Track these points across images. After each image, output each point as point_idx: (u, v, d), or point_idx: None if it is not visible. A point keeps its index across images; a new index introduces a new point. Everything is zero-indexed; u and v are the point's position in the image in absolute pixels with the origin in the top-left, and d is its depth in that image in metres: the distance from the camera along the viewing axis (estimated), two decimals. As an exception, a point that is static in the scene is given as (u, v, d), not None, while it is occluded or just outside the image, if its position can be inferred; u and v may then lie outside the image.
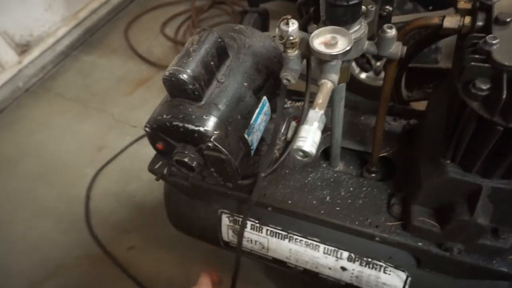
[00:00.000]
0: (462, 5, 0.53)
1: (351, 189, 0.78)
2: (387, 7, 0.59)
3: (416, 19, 0.55)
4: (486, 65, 0.43)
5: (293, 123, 0.90)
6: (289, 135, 0.88)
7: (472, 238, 0.60)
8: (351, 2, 0.49)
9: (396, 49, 0.54)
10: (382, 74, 1.62)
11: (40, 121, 1.95)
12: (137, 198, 1.55)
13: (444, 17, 0.51)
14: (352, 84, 0.75)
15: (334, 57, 0.48)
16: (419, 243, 0.67)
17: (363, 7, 0.56)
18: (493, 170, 0.51)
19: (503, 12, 0.46)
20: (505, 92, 0.41)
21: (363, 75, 1.60)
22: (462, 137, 0.50)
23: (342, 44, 0.49)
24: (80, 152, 1.76)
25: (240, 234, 0.83)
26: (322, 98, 0.50)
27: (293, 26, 0.50)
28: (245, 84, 0.73)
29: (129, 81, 2.10)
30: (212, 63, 0.69)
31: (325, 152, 0.87)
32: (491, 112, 0.43)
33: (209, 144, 0.66)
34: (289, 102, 0.96)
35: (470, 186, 0.54)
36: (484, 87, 0.43)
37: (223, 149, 0.67)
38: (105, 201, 1.57)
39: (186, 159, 0.69)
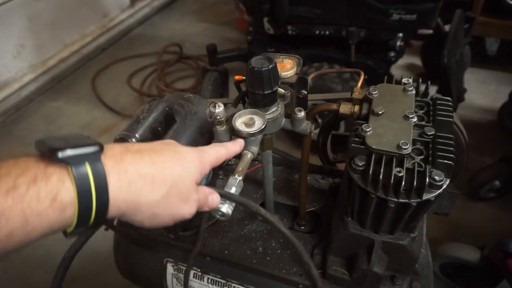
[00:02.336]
0: (355, 95, 0.68)
1: (281, 240, 0.88)
2: (303, 91, 0.74)
3: (320, 105, 0.69)
4: (362, 147, 0.56)
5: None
6: (231, 189, 0.98)
7: (373, 285, 0.70)
8: (266, 92, 0.62)
9: (306, 127, 0.68)
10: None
11: None
12: (90, 244, 1.55)
13: (340, 104, 0.66)
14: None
15: (251, 134, 0.60)
16: (334, 290, 0.76)
17: (282, 90, 0.71)
18: (380, 227, 0.63)
19: (378, 105, 0.61)
20: (371, 168, 0.54)
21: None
22: (354, 200, 0.62)
23: (258, 124, 0.61)
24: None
25: (185, 283, 0.89)
26: (242, 166, 0.62)
27: (219, 108, 0.62)
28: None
29: (93, 129, 2.17)
30: (159, 128, 0.79)
31: (262, 205, 0.97)
32: (365, 183, 0.56)
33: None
34: (233, 159, 1.07)
35: (366, 239, 0.66)
36: (360, 164, 0.56)
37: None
38: (56, 247, 1.57)
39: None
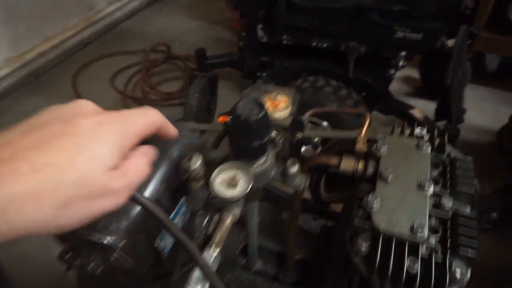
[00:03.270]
0: (359, 146, 0.57)
1: (267, 294, 0.77)
2: (297, 134, 0.63)
3: (318, 157, 0.59)
4: (366, 226, 0.46)
5: (216, 217, 0.90)
6: (210, 229, 0.87)
7: None
8: (254, 145, 0.51)
9: (300, 182, 0.57)
10: (319, 149, 1.69)
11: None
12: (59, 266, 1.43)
13: (341, 159, 0.55)
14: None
15: (233, 200, 0.49)
16: None
17: (274, 135, 0.60)
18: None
19: (387, 168, 0.50)
20: (378, 255, 0.44)
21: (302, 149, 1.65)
22: (352, 282, 0.52)
23: (242, 184, 0.50)
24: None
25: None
26: (220, 235, 0.51)
27: (195, 164, 0.51)
28: (163, 186, 0.72)
29: (70, 131, 2.02)
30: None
31: (245, 248, 0.86)
32: (369, 271, 0.45)
33: (114, 255, 0.63)
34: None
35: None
36: (364, 246, 0.45)
37: (129, 259, 0.64)
38: (20, 265, 1.44)
39: (90, 266, 0.66)
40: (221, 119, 0.61)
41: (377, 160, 0.53)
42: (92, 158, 0.33)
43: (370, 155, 0.55)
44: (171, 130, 0.46)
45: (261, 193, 0.67)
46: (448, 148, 0.58)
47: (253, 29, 1.58)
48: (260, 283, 0.79)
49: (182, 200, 0.77)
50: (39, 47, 2.36)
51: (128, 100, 2.20)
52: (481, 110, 2.07)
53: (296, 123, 0.61)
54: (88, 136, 0.33)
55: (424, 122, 1.46)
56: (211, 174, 0.51)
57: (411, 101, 2.13)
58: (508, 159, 1.74)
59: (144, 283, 0.73)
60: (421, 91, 2.15)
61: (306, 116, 0.66)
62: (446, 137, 0.57)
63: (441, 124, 1.61)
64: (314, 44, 1.45)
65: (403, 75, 2.21)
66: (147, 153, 0.41)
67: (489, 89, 2.19)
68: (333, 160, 0.56)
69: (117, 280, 0.82)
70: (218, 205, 0.94)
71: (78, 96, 2.22)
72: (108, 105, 2.19)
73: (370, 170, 0.53)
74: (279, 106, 0.60)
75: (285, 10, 1.40)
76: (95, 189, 0.33)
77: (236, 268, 0.82)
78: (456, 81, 1.49)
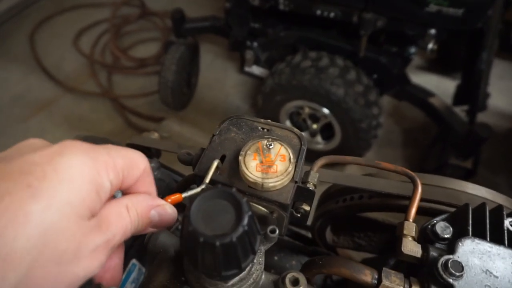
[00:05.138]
0: (408, 247, 0.34)
1: None
2: (303, 206, 0.39)
3: (337, 265, 0.35)
4: None
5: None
6: None
7: None
8: (224, 274, 0.27)
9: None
10: (318, 137, 1.46)
11: None
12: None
13: (380, 279, 0.32)
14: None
15: None
16: None
17: (264, 211, 0.36)
18: None
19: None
20: None
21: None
22: None
23: None
24: None
25: None
26: None
27: None
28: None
29: (27, 102, 1.73)
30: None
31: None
32: None
33: None
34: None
35: None
36: None
37: None
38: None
39: None
40: (172, 200, 0.35)
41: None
42: (54, 204, 0.23)
43: (431, 278, 0.32)
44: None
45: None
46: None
47: (242, -13, 1.27)
48: None
49: (131, 263, 0.55)
50: (-13, -3, 1.97)
51: (96, 65, 1.88)
52: (500, 89, 1.83)
53: (302, 193, 0.37)
54: (44, 174, 0.24)
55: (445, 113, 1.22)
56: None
57: (423, 76, 1.86)
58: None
59: None
60: (435, 64, 1.88)
61: (317, 166, 0.42)
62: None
63: (461, 110, 1.38)
64: (318, 12, 1.15)
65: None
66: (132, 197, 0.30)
67: (511, 63, 1.93)
68: (366, 277, 0.33)
69: None
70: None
71: (36, 58, 1.89)
72: (71, 71, 1.87)
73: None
74: (273, 168, 0.36)
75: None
76: (64, 248, 0.24)
77: None
78: (488, 65, 1.24)
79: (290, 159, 0.37)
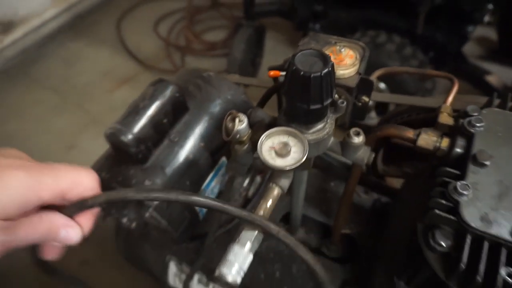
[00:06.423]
0: (444, 118, 0.46)
1: (304, 267, 0.71)
2: (364, 97, 0.52)
3: (388, 128, 0.48)
4: (452, 217, 0.36)
5: (258, 179, 0.83)
6: (251, 192, 0.81)
7: None
8: (312, 107, 0.41)
9: (362, 155, 0.47)
10: (372, 113, 1.55)
11: (14, 109, 1.86)
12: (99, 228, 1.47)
13: (420, 133, 0.44)
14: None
15: (283, 170, 0.41)
16: None
17: (336, 97, 0.50)
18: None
19: (483, 150, 0.39)
20: (465, 258, 0.34)
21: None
22: (418, 275, 0.43)
23: (295, 155, 0.42)
24: (48, 149, 1.67)
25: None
26: (264, 209, 0.44)
27: (241, 124, 0.43)
28: (202, 144, 0.65)
29: (113, 77, 2.01)
30: (165, 120, 0.61)
31: (287, 216, 0.80)
32: (447, 274, 0.36)
33: (147, 214, 0.59)
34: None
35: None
36: (444, 244, 0.36)
37: (162, 220, 0.60)
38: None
39: (124, 220, 0.62)
40: (273, 73, 0.51)
41: (469, 138, 0.42)
42: None
43: (459, 131, 0.44)
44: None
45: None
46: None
47: (308, -27, 1.41)
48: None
49: (221, 160, 0.71)
50: (84, -12, 2.31)
51: (171, 48, 2.12)
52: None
53: (364, 84, 0.50)
54: None
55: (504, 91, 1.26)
56: (257, 138, 0.42)
57: (485, 66, 1.87)
58: None
59: (179, 243, 0.69)
60: (497, 54, 1.87)
61: (375, 77, 0.55)
62: None
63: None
64: (377, -8, 1.27)
65: (476, 34, 1.93)
66: (53, 221, 0.34)
67: None
68: (409, 133, 0.45)
69: (151, 236, 0.79)
70: (260, 167, 0.87)
71: (121, 41, 2.18)
72: (150, 52, 2.13)
73: (459, 150, 0.42)
74: (344, 61, 0.49)
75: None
76: None
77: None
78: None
79: (356, 57, 0.50)
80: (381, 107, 1.47)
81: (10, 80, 2.00)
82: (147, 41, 2.19)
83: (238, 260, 0.40)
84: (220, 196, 0.75)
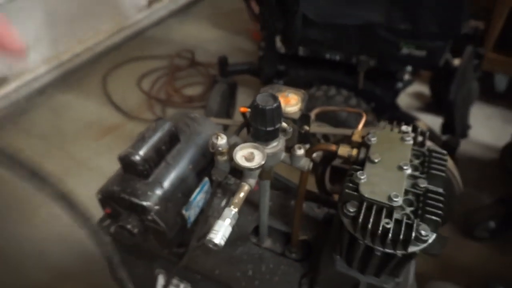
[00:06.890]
0: (355, 137, 0.70)
1: (271, 266, 0.89)
2: (305, 127, 0.76)
3: (318, 145, 0.71)
4: (355, 193, 0.58)
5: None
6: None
7: (355, 323, 0.72)
8: (268, 129, 0.64)
9: (304, 163, 0.70)
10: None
11: (1, 154, 1.98)
12: (87, 243, 1.58)
13: (339, 146, 0.68)
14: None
15: (250, 169, 0.62)
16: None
17: (285, 125, 0.73)
18: (366, 269, 0.65)
19: (374, 152, 0.63)
20: (361, 216, 0.56)
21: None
22: (343, 241, 0.64)
23: (257, 159, 0.63)
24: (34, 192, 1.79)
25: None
26: (238, 198, 0.64)
27: (222, 140, 0.64)
28: (190, 166, 0.86)
29: (99, 127, 2.20)
30: (163, 147, 0.82)
31: (256, 229, 0.99)
32: (354, 229, 0.57)
33: (149, 217, 0.77)
34: (233, 179, 1.10)
35: (352, 279, 0.68)
36: (351, 210, 0.58)
37: (161, 223, 0.78)
38: (53, 244, 1.59)
39: (129, 226, 0.80)
40: (243, 109, 0.74)
41: (368, 147, 0.66)
42: None
43: (362, 145, 0.67)
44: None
45: (273, 181, 0.80)
46: (429, 143, 0.70)
47: (272, 40, 1.73)
48: (267, 257, 0.91)
49: (205, 180, 0.91)
50: (73, 48, 2.57)
51: (153, 101, 2.37)
52: (487, 127, 2.16)
53: (304, 117, 0.74)
54: None
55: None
56: (233, 152, 0.64)
57: (421, 116, 2.23)
58: (509, 175, 1.82)
59: (170, 247, 0.86)
60: (431, 106, 2.25)
61: (313, 112, 0.79)
62: (427, 134, 0.69)
63: (445, 137, 1.71)
64: (327, 56, 1.59)
65: (414, 91, 2.32)
66: None
67: (497, 108, 2.27)
68: (332, 147, 0.69)
69: (143, 248, 0.95)
70: (236, 168, 1.07)
71: (107, 95, 2.41)
72: (134, 105, 2.36)
73: (362, 155, 0.66)
74: (290, 102, 0.74)
75: (301, 25, 1.54)
76: None
77: (248, 243, 0.94)
78: (461, 98, 1.60)
79: (298, 100, 0.75)
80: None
81: (-1, 129, 2.15)
82: (131, 95, 2.42)
83: (222, 230, 0.60)
84: (203, 211, 0.94)
